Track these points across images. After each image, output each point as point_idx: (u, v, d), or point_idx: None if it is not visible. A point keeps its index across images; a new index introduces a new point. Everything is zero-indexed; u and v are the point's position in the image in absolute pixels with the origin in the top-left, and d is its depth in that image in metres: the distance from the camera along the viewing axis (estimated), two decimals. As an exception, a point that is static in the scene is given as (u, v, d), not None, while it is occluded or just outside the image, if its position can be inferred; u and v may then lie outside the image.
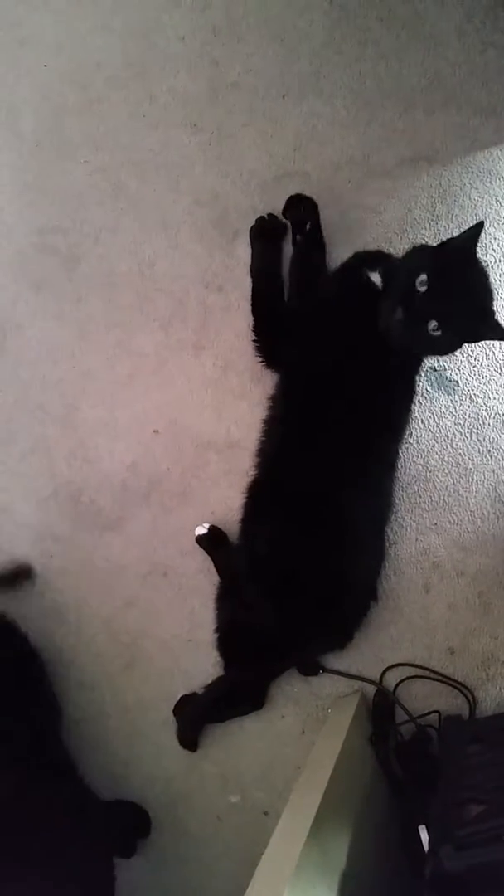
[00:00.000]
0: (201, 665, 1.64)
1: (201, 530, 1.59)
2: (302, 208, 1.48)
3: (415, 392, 1.48)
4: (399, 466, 1.50)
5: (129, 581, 1.68)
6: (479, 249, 1.28)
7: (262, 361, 1.49)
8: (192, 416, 1.63)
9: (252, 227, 1.53)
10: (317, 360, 1.39)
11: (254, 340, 1.49)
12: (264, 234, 1.51)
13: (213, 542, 1.59)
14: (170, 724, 1.67)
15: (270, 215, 1.52)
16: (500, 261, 1.47)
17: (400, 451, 1.49)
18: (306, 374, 1.41)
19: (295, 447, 1.41)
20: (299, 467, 1.39)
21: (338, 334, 1.37)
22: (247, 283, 1.56)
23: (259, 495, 1.47)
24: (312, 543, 1.40)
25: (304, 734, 1.61)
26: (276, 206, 1.53)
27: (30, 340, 1.70)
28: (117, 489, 1.67)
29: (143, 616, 1.67)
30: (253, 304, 1.50)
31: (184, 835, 1.70)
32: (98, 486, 1.68)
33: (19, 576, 1.71)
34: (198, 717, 1.65)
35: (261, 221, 1.52)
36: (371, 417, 1.39)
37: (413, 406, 1.49)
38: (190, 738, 1.65)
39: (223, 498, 1.60)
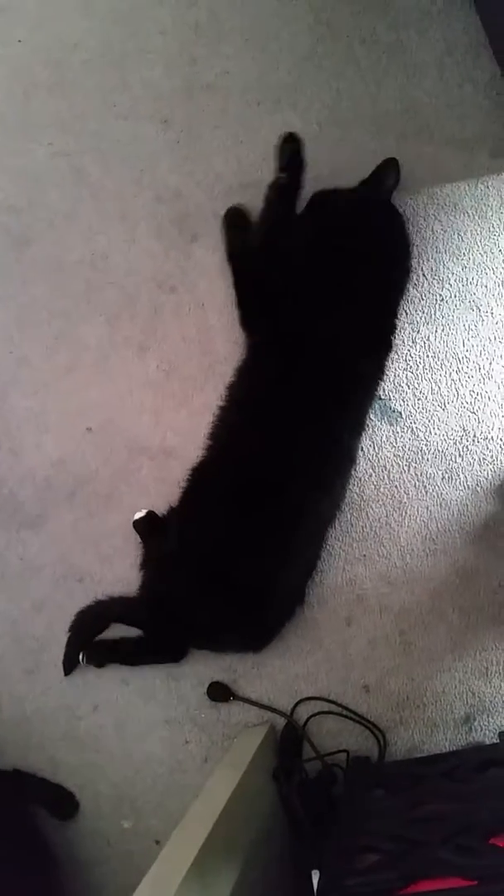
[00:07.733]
0: (108, 680, 1.56)
1: (139, 514, 1.52)
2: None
3: (380, 380, 1.44)
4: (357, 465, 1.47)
5: (43, 583, 1.59)
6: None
7: (248, 334, 1.45)
8: (129, 418, 1.56)
9: (224, 216, 1.50)
10: (294, 328, 1.36)
11: (240, 316, 1.46)
12: (236, 222, 1.49)
13: (148, 527, 1.52)
14: (68, 739, 1.58)
15: (239, 207, 1.50)
16: (455, 296, 1.45)
17: (359, 447, 1.45)
18: (281, 343, 1.38)
19: (251, 428, 1.37)
20: (252, 451, 1.35)
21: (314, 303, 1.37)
22: (201, 286, 1.54)
23: (204, 478, 1.41)
24: (252, 538, 1.34)
25: (207, 762, 1.54)
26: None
27: (-34, 319, 1.62)
28: (41, 485, 1.59)
29: (53, 621, 1.57)
30: (235, 284, 1.47)
31: (69, 858, 1.60)
32: (20, 479, 1.60)
33: None
34: (105, 649, 1.53)
35: (232, 210, 1.50)
36: (336, 399, 1.36)
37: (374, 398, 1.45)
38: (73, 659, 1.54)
39: (152, 506, 1.53)
